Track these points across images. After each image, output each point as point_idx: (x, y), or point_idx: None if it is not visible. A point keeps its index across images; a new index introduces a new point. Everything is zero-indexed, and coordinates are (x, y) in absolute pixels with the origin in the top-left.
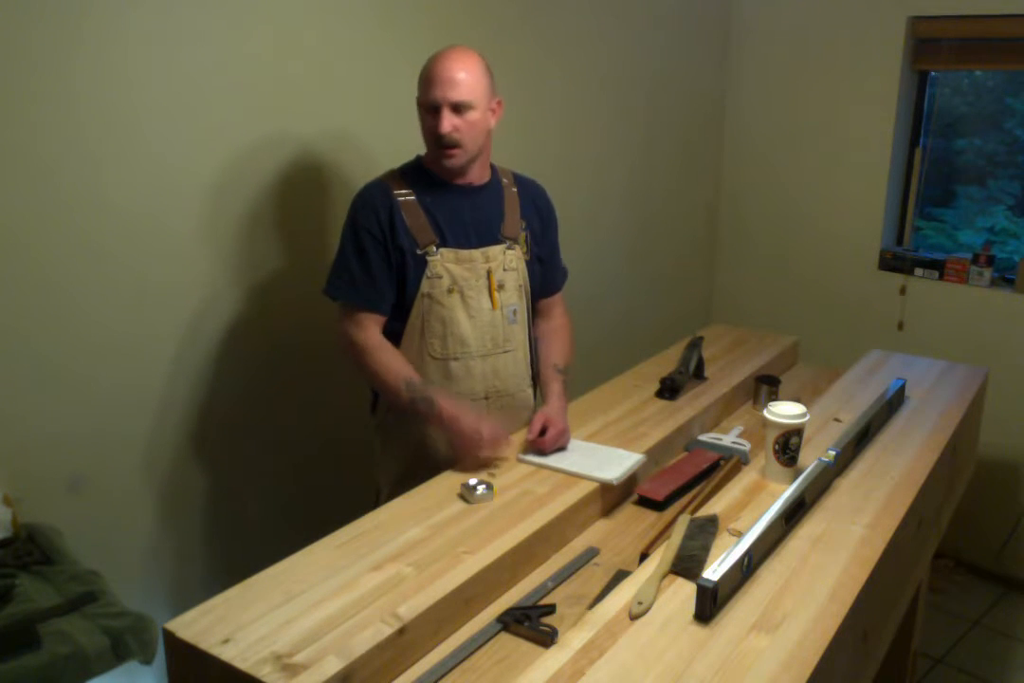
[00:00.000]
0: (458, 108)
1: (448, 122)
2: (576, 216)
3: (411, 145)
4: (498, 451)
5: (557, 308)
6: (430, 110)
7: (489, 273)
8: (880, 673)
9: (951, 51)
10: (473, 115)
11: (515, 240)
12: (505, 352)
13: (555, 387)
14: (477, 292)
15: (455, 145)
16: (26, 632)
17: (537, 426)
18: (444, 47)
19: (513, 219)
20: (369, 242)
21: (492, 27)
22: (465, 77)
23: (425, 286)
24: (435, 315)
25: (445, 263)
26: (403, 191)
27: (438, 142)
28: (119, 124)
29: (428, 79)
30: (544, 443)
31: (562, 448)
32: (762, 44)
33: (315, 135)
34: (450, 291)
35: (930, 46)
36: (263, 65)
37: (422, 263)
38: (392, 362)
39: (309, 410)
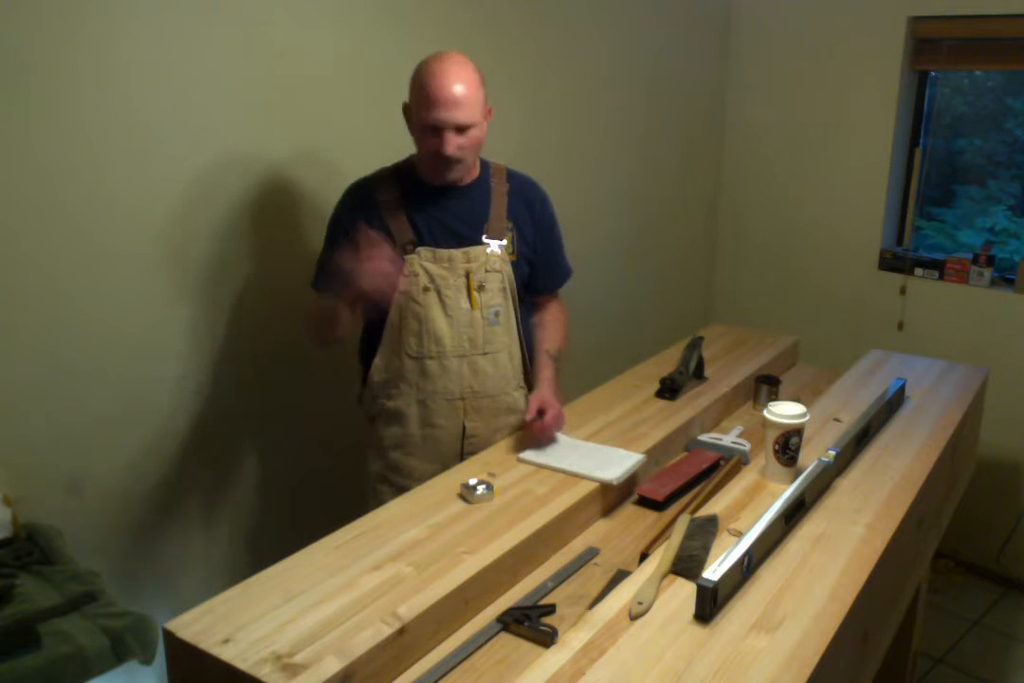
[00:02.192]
0: (461, 128)
1: (453, 144)
2: (576, 216)
3: (410, 146)
4: (379, 257)
5: (553, 302)
6: (430, 130)
7: (468, 273)
8: (880, 673)
9: (951, 51)
10: (474, 132)
11: (500, 241)
12: (484, 354)
13: (547, 373)
14: (455, 292)
15: (458, 162)
16: (26, 632)
17: (534, 408)
18: (435, 55)
19: (498, 220)
20: (343, 238)
21: (491, 27)
22: (466, 96)
23: (402, 284)
24: (411, 313)
25: (422, 262)
26: (388, 191)
27: (441, 161)
28: (121, 123)
29: (429, 99)
30: (546, 426)
31: (554, 437)
32: (762, 44)
33: (318, 136)
34: (426, 290)
35: (930, 46)
36: (264, 66)
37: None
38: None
39: (308, 410)
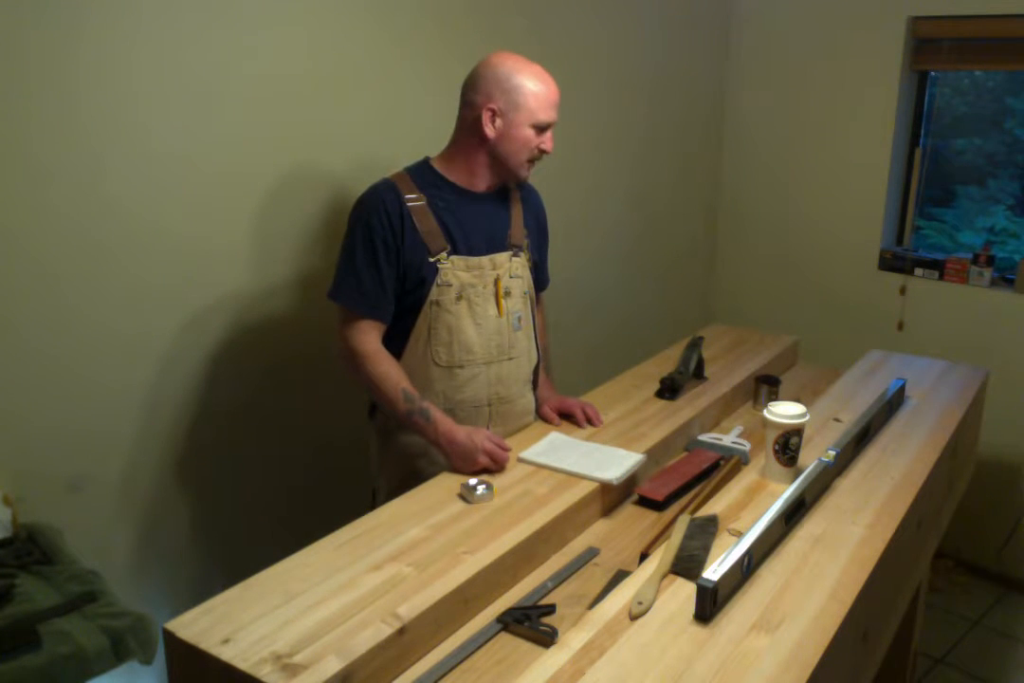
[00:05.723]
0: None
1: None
2: (576, 217)
3: (418, 149)
4: (497, 464)
5: (538, 304)
6: (540, 128)
7: (497, 280)
8: (880, 673)
9: (951, 51)
10: None
11: (520, 248)
12: (509, 359)
13: (543, 376)
14: (484, 299)
15: None
16: (26, 632)
17: (555, 416)
18: (511, 56)
19: (518, 227)
20: (381, 247)
21: (491, 27)
22: None
23: (434, 293)
24: (442, 322)
25: (455, 271)
26: (413, 195)
27: (536, 158)
28: (121, 124)
29: (547, 100)
30: (592, 419)
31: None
32: (762, 44)
33: (321, 138)
34: (458, 298)
35: (930, 46)
36: (268, 66)
37: (432, 270)
38: (391, 371)
39: (307, 410)
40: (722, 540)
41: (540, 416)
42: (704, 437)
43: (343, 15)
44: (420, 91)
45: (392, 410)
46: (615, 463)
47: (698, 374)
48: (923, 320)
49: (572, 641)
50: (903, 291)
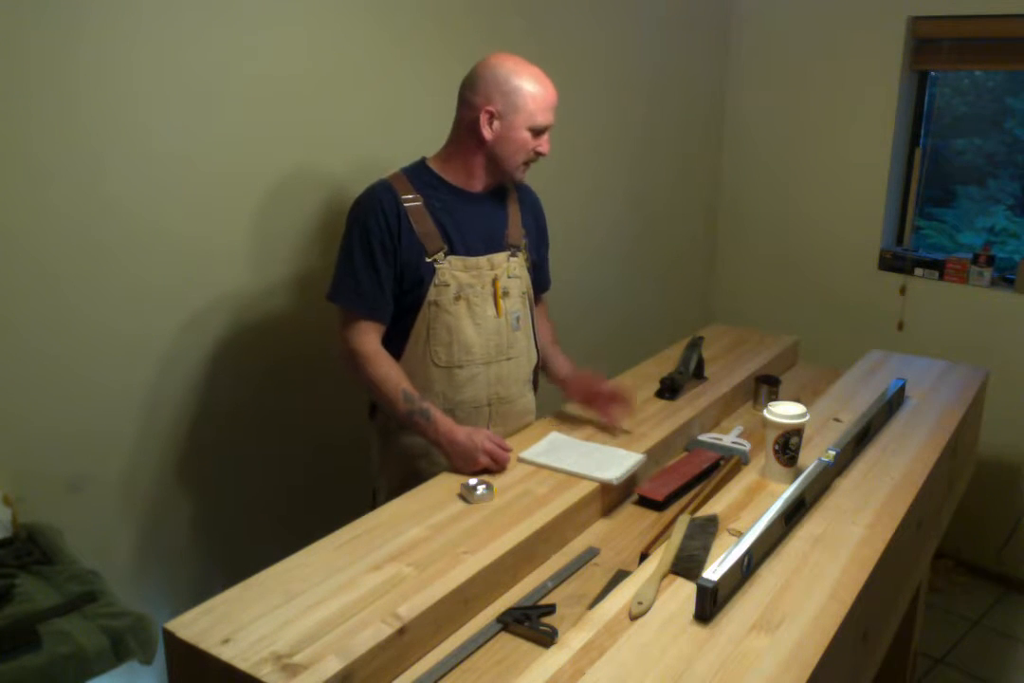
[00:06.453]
0: None
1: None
2: (576, 217)
3: (418, 149)
4: (498, 465)
5: (542, 307)
6: (537, 131)
7: (495, 280)
8: (880, 673)
9: (951, 51)
10: None
11: (518, 248)
12: (508, 359)
13: (563, 359)
14: (482, 299)
15: None
16: (26, 632)
17: (606, 410)
18: (510, 58)
19: (516, 227)
20: (378, 248)
21: (490, 27)
22: None
23: (432, 294)
24: (441, 323)
25: (453, 271)
26: (410, 196)
27: (532, 160)
28: (121, 124)
29: (545, 102)
30: (622, 418)
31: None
32: (762, 44)
33: (321, 138)
34: (456, 299)
35: (930, 46)
36: (268, 66)
37: (429, 270)
38: (391, 372)
39: (307, 410)
40: (722, 540)
41: (566, 396)
42: (704, 437)
43: (343, 15)
44: (420, 91)
45: (392, 410)
46: (615, 463)
47: (698, 374)
48: (923, 320)
49: (572, 641)
50: (903, 291)
